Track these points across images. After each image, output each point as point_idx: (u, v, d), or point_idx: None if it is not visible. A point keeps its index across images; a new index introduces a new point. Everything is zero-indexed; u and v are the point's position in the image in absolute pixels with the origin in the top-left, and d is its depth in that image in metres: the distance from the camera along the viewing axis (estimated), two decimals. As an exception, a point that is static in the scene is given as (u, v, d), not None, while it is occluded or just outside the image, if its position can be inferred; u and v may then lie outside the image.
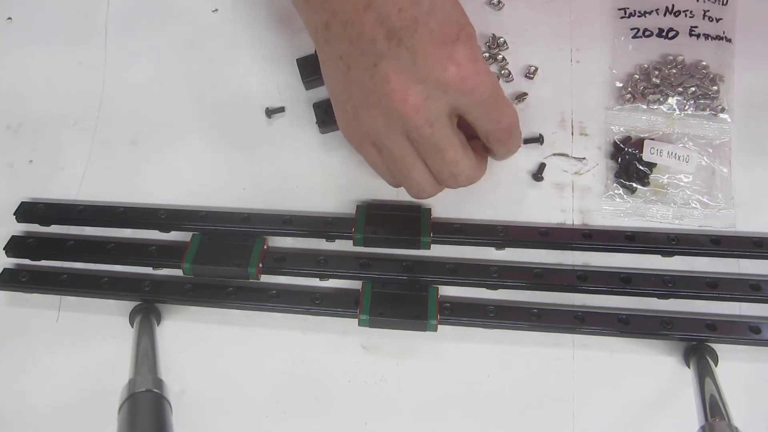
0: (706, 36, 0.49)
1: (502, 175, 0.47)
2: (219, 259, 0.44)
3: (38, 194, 0.48)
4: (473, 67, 0.36)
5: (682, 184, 0.47)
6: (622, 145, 0.47)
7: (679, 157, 0.46)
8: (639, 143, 0.47)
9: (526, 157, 0.47)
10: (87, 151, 0.49)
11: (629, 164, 0.47)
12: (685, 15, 0.49)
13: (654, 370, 0.44)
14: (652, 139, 0.47)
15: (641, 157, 0.46)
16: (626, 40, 0.49)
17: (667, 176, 0.47)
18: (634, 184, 0.46)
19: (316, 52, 0.41)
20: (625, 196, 0.47)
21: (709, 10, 0.49)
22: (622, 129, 0.48)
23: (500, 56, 0.49)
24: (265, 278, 0.45)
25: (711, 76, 0.48)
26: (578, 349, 0.44)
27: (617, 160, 0.47)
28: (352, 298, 0.44)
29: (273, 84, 0.50)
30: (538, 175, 0.47)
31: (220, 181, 0.48)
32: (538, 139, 0.47)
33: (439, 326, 0.42)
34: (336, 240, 0.46)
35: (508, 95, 0.48)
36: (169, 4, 0.51)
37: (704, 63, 0.48)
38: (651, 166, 0.46)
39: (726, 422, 0.36)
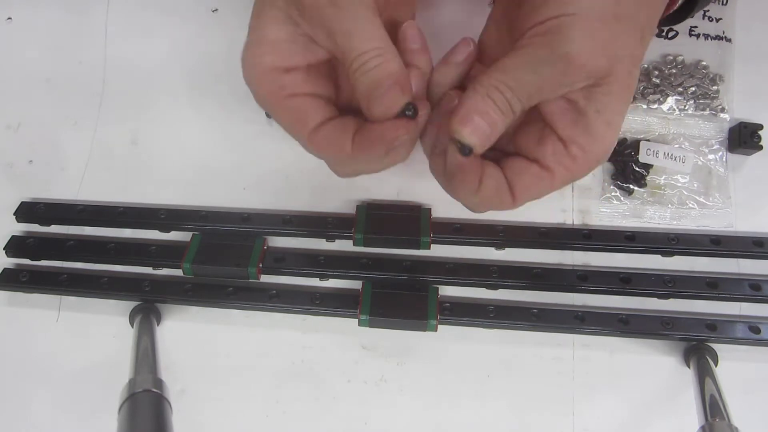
0: (706, 36, 0.49)
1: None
2: (219, 259, 0.44)
3: (38, 194, 0.48)
4: None
5: (678, 184, 0.47)
6: (618, 147, 0.47)
7: (675, 158, 0.46)
8: (635, 145, 0.47)
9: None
10: (87, 151, 0.49)
11: (626, 166, 0.47)
12: (685, 15, 0.49)
13: (654, 370, 0.44)
14: (648, 141, 0.47)
15: (637, 158, 0.46)
16: (626, 41, 0.49)
17: (663, 177, 0.47)
18: (631, 186, 0.46)
19: None
20: (622, 198, 0.47)
21: (708, 10, 0.49)
22: (620, 130, 0.48)
23: (500, 56, 0.49)
24: (265, 278, 0.45)
25: (711, 76, 0.48)
26: (578, 349, 0.44)
27: (613, 162, 0.47)
28: (352, 298, 0.44)
29: (273, 84, 0.49)
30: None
31: (220, 181, 0.48)
32: None
33: (439, 326, 0.42)
34: (336, 240, 0.46)
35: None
36: (169, 4, 0.51)
37: (704, 63, 0.48)
38: (647, 167, 0.46)
39: (726, 422, 0.36)
